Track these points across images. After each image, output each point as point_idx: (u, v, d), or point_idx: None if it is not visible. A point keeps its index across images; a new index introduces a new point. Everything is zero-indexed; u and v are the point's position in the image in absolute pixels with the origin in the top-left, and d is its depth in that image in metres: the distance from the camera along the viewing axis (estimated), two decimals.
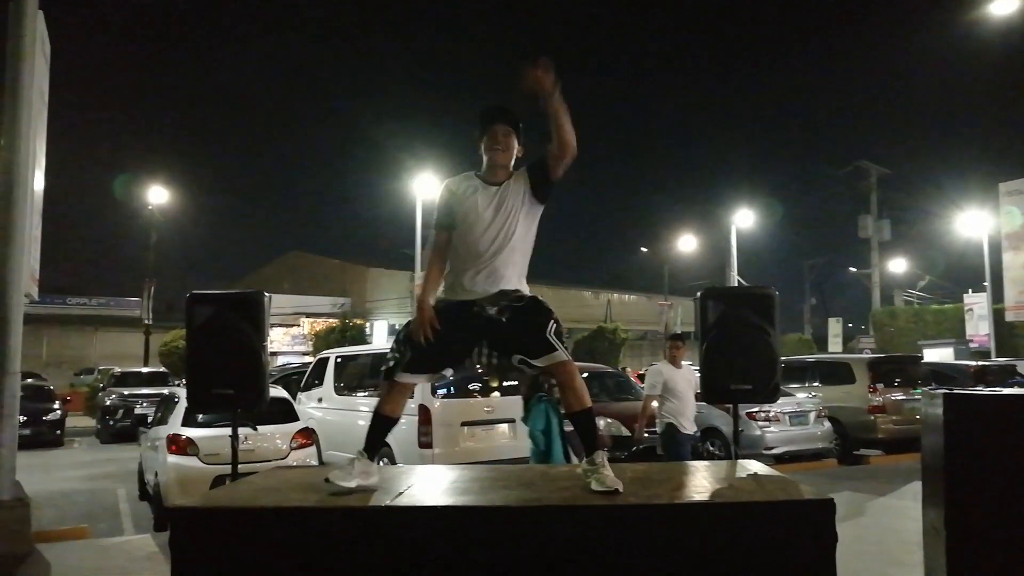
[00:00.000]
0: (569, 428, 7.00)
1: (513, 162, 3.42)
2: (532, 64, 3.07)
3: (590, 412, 3.28)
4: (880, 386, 12.88)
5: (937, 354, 22.48)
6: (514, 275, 3.34)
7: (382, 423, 3.35)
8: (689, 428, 7.53)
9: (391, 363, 3.32)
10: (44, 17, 6.22)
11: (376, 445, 3.34)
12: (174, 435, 8.06)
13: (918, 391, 12.24)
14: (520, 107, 3.45)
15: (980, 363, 16.96)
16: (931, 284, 40.50)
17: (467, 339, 3.31)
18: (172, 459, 7.90)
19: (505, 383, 9.16)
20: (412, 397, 8.51)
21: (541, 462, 6.16)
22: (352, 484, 3.11)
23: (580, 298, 47.79)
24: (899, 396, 12.84)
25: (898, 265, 40.83)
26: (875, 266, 37.64)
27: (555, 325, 3.23)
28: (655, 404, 7.67)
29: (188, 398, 5.59)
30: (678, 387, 7.57)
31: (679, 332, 11.00)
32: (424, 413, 8.65)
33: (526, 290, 3.37)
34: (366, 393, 10.06)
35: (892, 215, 38.03)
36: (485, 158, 3.41)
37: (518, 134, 3.42)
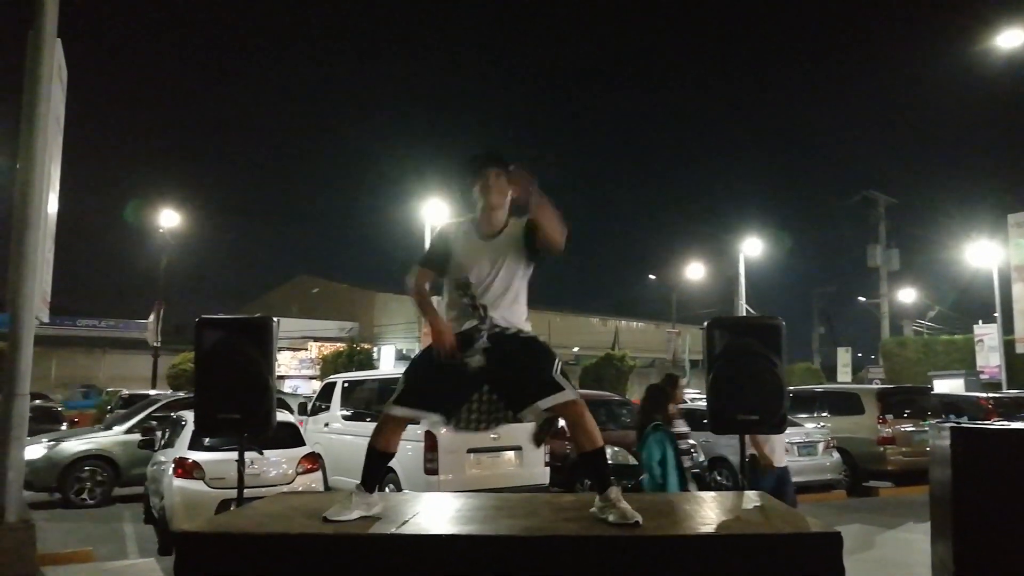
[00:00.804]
0: (685, 459, 6.65)
1: (508, 201, 3.41)
2: (508, 173, 3.32)
3: (602, 451, 3.24)
4: (890, 417, 12.81)
5: (947, 385, 22.31)
6: (516, 319, 3.34)
7: (375, 458, 3.30)
8: (774, 461, 6.37)
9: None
10: (62, 44, 6.33)
11: (373, 479, 3.29)
12: (180, 458, 8.07)
13: (928, 422, 12.16)
14: (509, 151, 3.49)
15: (968, 394, 16.83)
16: (941, 314, 40.33)
17: (468, 378, 3.25)
18: (178, 482, 7.90)
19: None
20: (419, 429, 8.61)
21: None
22: (353, 516, 3.09)
23: (588, 325, 47.76)
24: (909, 427, 12.74)
25: (907, 295, 40.71)
26: (884, 296, 37.49)
27: (560, 364, 3.24)
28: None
29: (195, 422, 5.60)
30: None
31: None
32: (430, 439, 8.64)
33: (529, 330, 3.35)
34: (373, 419, 10.06)
35: (901, 245, 38.05)
36: (480, 202, 3.40)
37: (508, 175, 3.40)
